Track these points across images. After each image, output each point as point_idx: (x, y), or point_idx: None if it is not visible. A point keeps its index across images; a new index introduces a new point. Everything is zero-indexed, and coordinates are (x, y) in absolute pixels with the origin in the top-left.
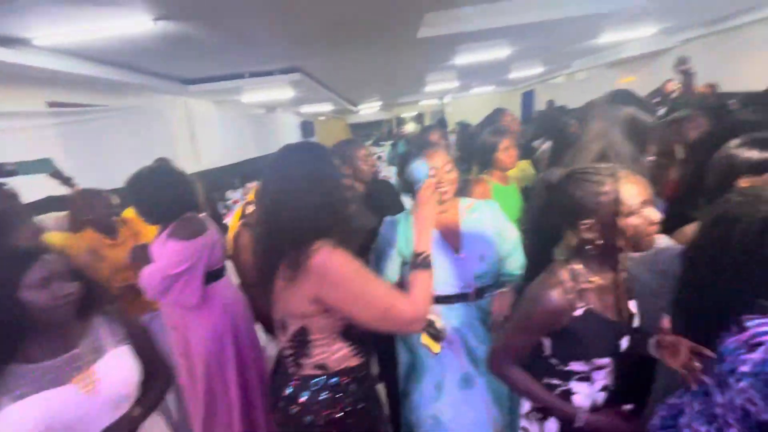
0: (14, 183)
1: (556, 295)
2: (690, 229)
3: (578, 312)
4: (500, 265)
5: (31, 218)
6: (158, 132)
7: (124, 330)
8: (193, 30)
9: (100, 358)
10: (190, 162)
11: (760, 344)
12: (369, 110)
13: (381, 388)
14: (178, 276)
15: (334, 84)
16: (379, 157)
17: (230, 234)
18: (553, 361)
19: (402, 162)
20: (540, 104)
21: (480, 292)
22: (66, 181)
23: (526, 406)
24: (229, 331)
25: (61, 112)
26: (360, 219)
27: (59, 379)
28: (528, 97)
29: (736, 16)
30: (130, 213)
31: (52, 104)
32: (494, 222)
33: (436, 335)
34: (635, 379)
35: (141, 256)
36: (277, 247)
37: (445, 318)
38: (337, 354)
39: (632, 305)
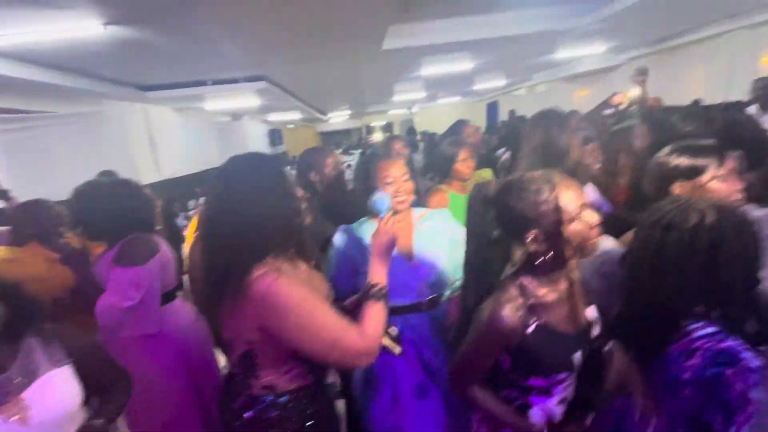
0: None
1: (506, 313)
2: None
3: (530, 329)
4: (454, 273)
5: None
6: (114, 140)
7: (66, 349)
8: (149, 36)
9: (32, 383)
10: (150, 171)
11: (697, 349)
12: (339, 119)
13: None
14: (134, 307)
15: (301, 92)
16: (349, 166)
17: (186, 247)
18: (513, 375)
19: (359, 171)
20: (504, 114)
21: (433, 302)
22: (2, 194)
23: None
24: (183, 355)
25: (3, 119)
26: (316, 229)
27: None
28: (492, 108)
29: (677, 36)
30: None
31: None
32: (447, 230)
33: (397, 338)
34: (595, 387)
35: (86, 279)
36: (219, 271)
37: (399, 328)
38: (288, 375)
39: (591, 312)
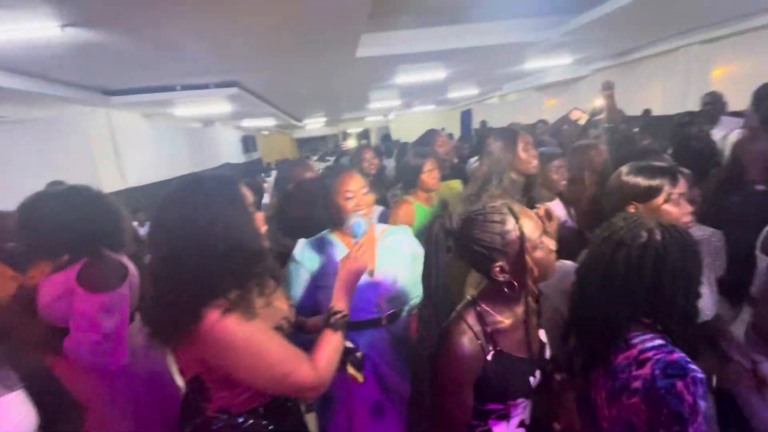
0: None
1: (466, 342)
2: None
3: (490, 356)
4: (415, 288)
5: None
6: (75, 146)
7: (19, 374)
8: (111, 39)
9: None
10: (113, 179)
11: (647, 360)
12: (315, 125)
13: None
14: (107, 336)
15: (275, 99)
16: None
17: None
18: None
19: (318, 186)
20: (478, 122)
21: (392, 317)
22: None
23: None
24: (148, 386)
25: None
26: (275, 242)
27: None
28: (466, 116)
29: (636, 50)
30: None
31: None
32: (408, 246)
33: (359, 363)
34: (550, 409)
35: (25, 301)
36: (164, 312)
37: (355, 344)
38: (242, 396)
39: (542, 335)
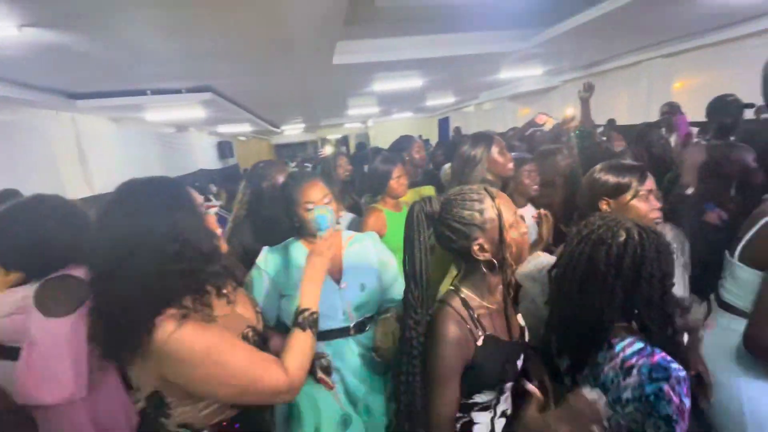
0: None
1: (455, 327)
2: None
3: (480, 341)
4: (382, 295)
5: None
6: (37, 152)
7: None
8: (74, 40)
9: None
10: (78, 186)
11: (632, 367)
12: (293, 131)
13: None
14: (73, 363)
15: (251, 105)
16: None
17: None
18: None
19: (281, 195)
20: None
21: (360, 327)
22: None
23: None
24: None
25: None
26: (247, 242)
27: None
28: (444, 123)
29: (603, 62)
30: None
31: None
32: (375, 252)
33: (328, 368)
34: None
35: None
36: (113, 326)
37: (329, 358)
38: (205, 411)
39: (520, 319)
